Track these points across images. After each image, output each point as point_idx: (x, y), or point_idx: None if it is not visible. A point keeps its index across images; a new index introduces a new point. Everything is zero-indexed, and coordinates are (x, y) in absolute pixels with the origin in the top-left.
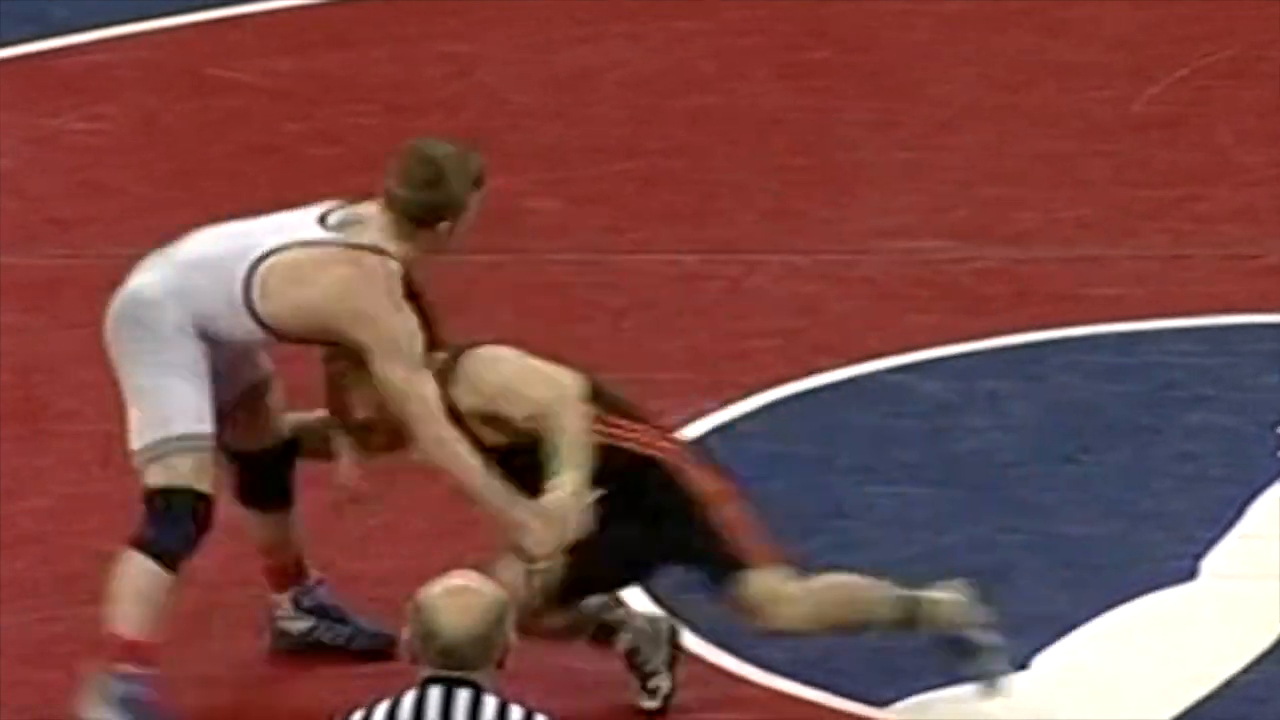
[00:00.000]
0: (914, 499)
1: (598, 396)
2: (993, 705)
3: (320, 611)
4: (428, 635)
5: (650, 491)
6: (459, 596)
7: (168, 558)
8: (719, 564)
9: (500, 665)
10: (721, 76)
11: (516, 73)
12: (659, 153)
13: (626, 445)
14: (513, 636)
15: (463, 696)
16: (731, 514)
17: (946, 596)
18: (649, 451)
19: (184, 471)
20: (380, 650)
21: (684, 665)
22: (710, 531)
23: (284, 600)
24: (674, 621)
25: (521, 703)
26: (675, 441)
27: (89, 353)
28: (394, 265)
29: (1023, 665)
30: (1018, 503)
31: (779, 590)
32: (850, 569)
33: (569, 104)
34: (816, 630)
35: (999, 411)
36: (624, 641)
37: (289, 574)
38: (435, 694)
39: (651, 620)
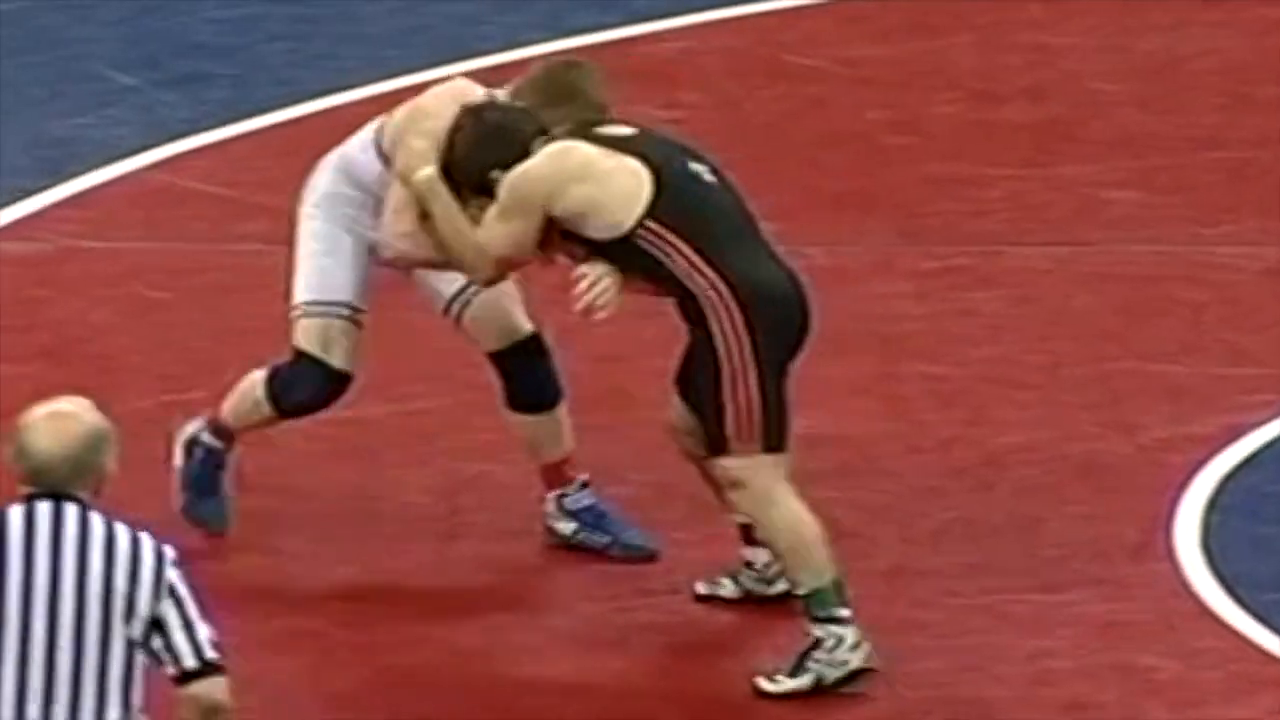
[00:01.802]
0: None
1: (657, 199)
2: None
3: (580, 515)
4: (21, 453)
5: (690, 319)
6: (57, 420)
7: (278, 404)
8: (710, 432)
9: (97, 493)
10: None
11: (1100, 61)
12: (1247, 142)
13: (669, 265)
14: (111, 466)
15: (71, 510)
16: (742, 391)
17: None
18: (687, 283)
19: (313, 339)
20: (640, 558)
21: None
22: (715, 397)
23: (551, 500)
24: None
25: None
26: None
27: (664, 341)
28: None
29: None
30: None
31: (742, 477)
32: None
33: (1154, 92)
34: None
35: None
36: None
37: (553, 474)
38: (44, 508)
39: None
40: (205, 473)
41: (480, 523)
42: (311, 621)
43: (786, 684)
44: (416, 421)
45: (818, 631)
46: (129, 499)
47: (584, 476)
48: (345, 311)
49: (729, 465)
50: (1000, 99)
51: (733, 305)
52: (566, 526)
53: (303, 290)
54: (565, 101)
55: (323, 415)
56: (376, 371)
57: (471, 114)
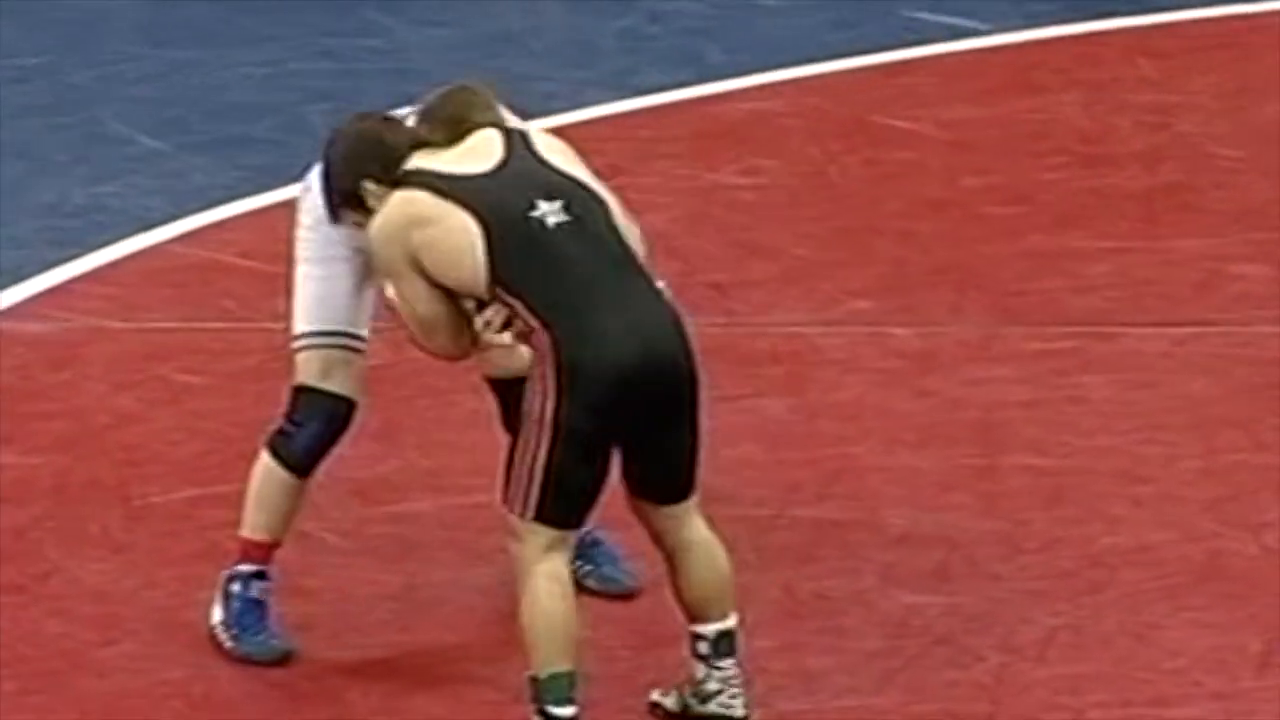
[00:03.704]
0: None
1: (492, 256)
2: None
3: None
4: None
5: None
6: None
7: (289, 459)
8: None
9: None
10: None
11: (1220, 123)
12: None
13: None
14: None
15: None
16: (530, 453)
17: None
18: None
19: (312, 371)
20: (617, 594)
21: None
22: (511, 448)
23: None
24: None
25: None
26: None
27: (745, 429)
28: None
29: None
30: None
31: (513, 532)
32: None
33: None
34: None
35: None
36: None
37: None
38: None
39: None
40: (246, 607)
41: None
42: None
43: None
44: (468, 516)
45: None
46: (163, 601)
47: None
48: (343, 340)
49: (506, 515)
50: (1111, 164)
51: (549, 365)
52: None
53: (300, 321)
54: (454, 125)
55: (365, 512)
56: (422, 463)
57: (346, 125)
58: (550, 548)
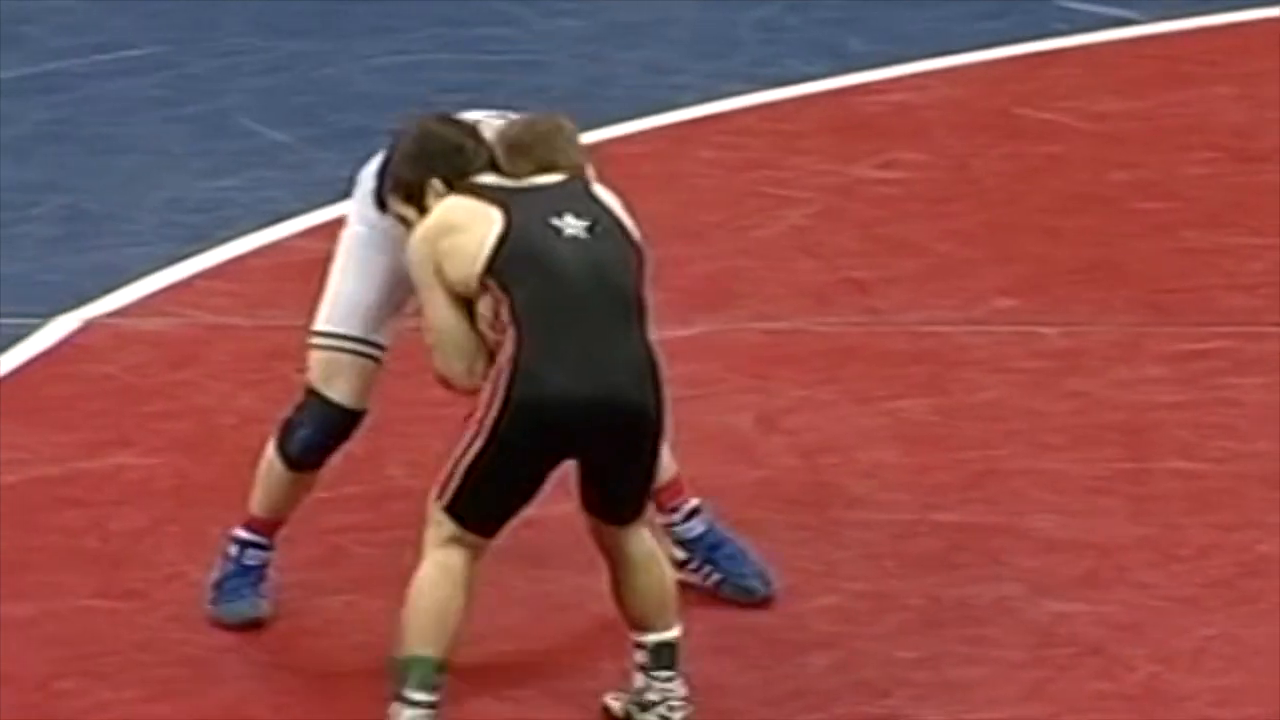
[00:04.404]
0: None
1: (500, 247)
2: None
3: (691, 546)
4: None
5: None
6: None
7: (286, 457)
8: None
9: None
10: None
11: None
12: None
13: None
14: None
15: None
16: (464, 447)
17: None
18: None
19: (316, 372)
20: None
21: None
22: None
23: (664, 525)
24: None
25: None
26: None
27: (885, 431)
28: None
29: None
30: None
31: (429, 515)
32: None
33: None
34: None
35: None
36: None
37: (660, 499)
38: None
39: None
40: (237, 570)
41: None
42: None
43: None
44: None
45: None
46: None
47: (693, 502)
48: (354, 345)
49: (428, 496)
50: (1264, 158)
51: (505, 370)
52: (679, 554)
53: (320, 319)
54: (532, 162)
55: None
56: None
57: (428, 121)
58: (452, 541)
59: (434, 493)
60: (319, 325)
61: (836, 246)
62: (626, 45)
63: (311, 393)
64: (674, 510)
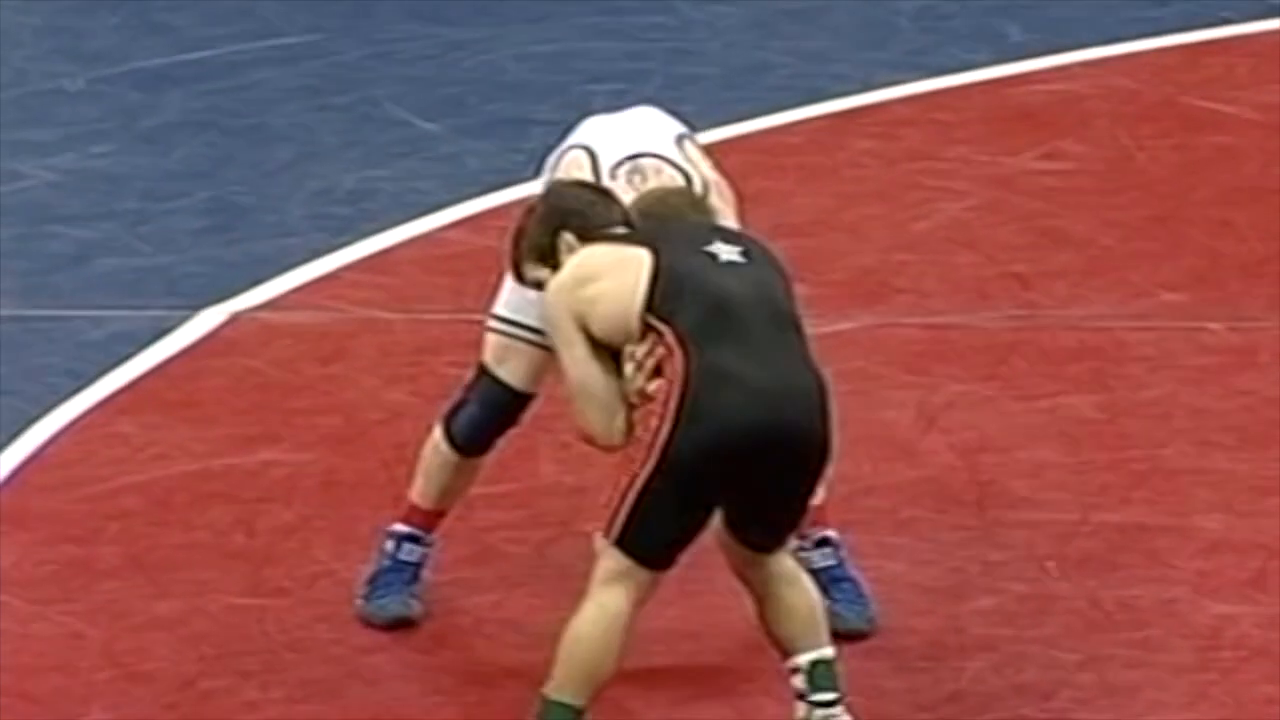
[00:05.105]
0: None
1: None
2: None
3: (812, 575)
4: None
5: None
6: None
7: (452, 439)
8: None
9: None
10: None
11: None
12: None
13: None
14: None
15: None
16: (630, 472)
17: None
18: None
19: (489, 352)
20: (853, 633)
21: None
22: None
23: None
24: None
25: None
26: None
27: (1046, 429)
28: None
29: None
30: None
31: (597, 550)
32: None
33: None
34: None
35: None
36: None
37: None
38: None
39: None
40: (392, 567)
41: None
42: None
43: None
44: None
45: None
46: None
47: (824, 533)
48: (527, 334)
49: (595, 531)
50: None
51: (675, 392)
52: None
53: (499, 303)
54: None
55: None
56: None
57: (556, 183)
58: (620, 578)
59: (603, 528)
60: (497, 309)
61: (996, 240)
62: (782, 33)
63: (483, 372)
64: (804, 536)
